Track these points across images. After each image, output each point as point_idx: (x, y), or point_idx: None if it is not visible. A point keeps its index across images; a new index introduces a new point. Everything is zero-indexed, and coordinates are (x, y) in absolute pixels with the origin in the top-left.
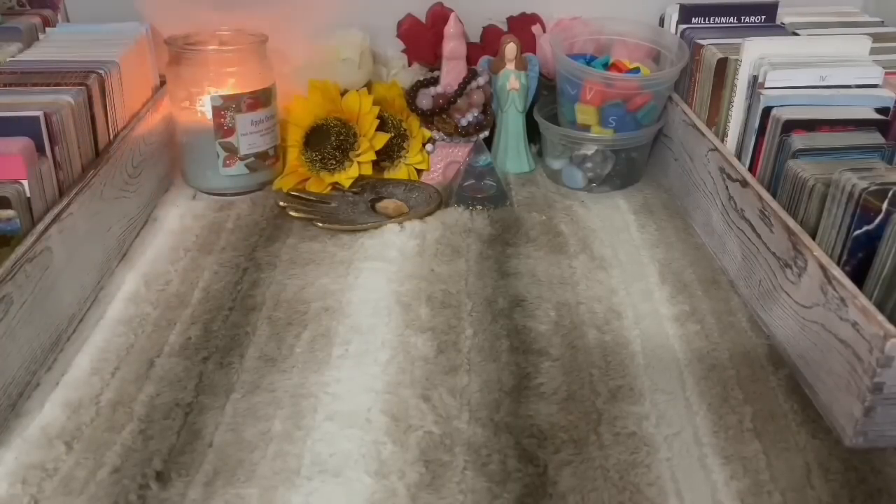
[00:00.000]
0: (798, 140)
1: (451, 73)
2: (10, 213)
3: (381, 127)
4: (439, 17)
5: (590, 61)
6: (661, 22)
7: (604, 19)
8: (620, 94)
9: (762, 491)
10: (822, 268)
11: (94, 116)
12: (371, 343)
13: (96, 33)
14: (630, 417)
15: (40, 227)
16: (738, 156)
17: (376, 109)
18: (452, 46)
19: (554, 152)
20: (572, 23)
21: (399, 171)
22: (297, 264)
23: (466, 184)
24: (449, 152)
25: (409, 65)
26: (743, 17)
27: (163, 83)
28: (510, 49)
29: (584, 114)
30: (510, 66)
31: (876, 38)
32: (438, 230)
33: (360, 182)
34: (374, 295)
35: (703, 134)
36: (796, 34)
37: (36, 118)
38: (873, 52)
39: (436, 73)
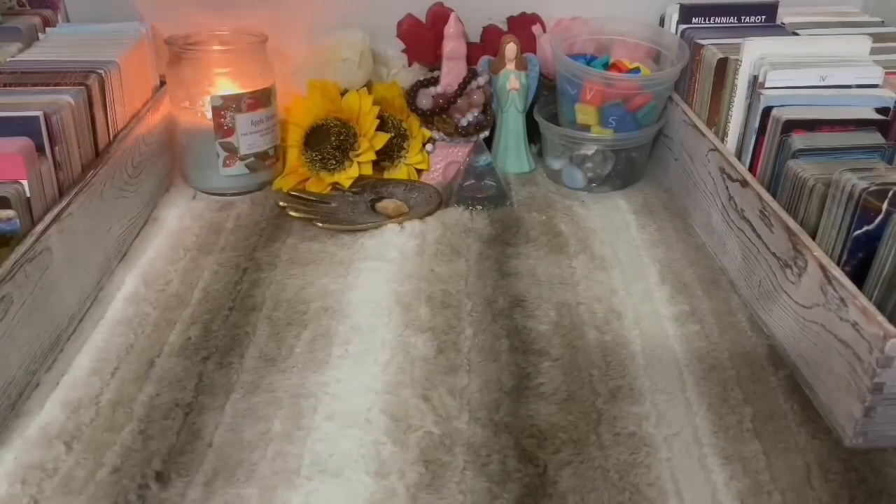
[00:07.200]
0: (798, 140)
1: (451, 73)
2: (9, 213)
3: (381, 127)
4: (439, 17)
5: (590, 61)
6: (662, 22)
7: (604, 19)
8: (620, 94)
9: (762, 491)
10: (822, 268)
11: (94, 116)
12: (371, 343)
13: (96, 33)
14: (630, 417)
15: (40, 227)
16: (738, 156)
17: (376, 109)
18: (452, 46)
19: (554, 152)
20: (572, 23)
21: (399, 171)
22: (297, 264)
23: (466, 184)
24: (449, 152)
25: (409, 65)
26: (743, 17)
27: (163, 83)
28: (510, 49)
29: (585, 114)
30: (510, 66)
31: (876, 38)
32: (438, 230)
33: (360, 182)
34: (374, 295)
35: (703, 134)
36: (796, 34)
37: (36, 118)
38: (873, 52)
39: (436, 73)
